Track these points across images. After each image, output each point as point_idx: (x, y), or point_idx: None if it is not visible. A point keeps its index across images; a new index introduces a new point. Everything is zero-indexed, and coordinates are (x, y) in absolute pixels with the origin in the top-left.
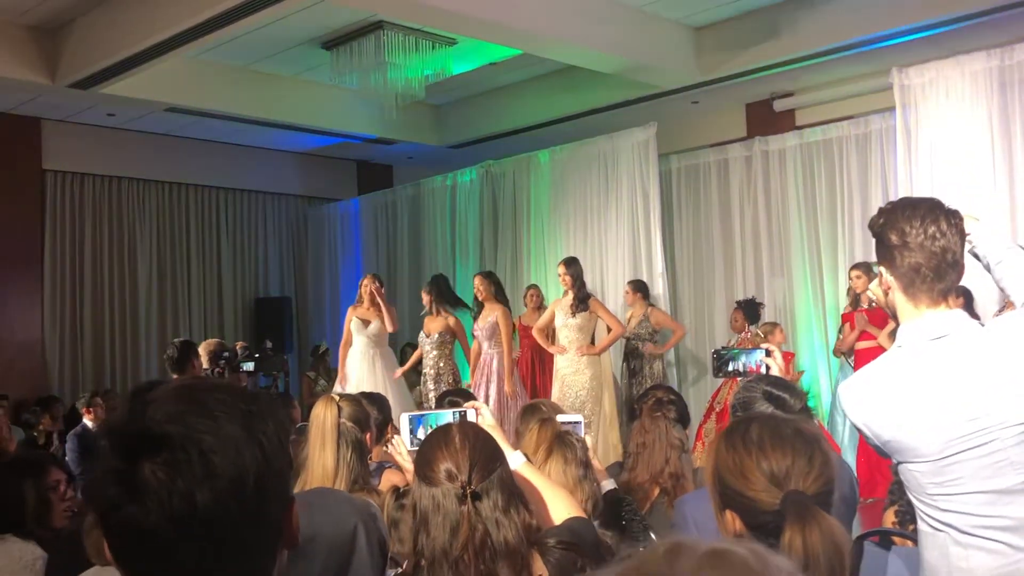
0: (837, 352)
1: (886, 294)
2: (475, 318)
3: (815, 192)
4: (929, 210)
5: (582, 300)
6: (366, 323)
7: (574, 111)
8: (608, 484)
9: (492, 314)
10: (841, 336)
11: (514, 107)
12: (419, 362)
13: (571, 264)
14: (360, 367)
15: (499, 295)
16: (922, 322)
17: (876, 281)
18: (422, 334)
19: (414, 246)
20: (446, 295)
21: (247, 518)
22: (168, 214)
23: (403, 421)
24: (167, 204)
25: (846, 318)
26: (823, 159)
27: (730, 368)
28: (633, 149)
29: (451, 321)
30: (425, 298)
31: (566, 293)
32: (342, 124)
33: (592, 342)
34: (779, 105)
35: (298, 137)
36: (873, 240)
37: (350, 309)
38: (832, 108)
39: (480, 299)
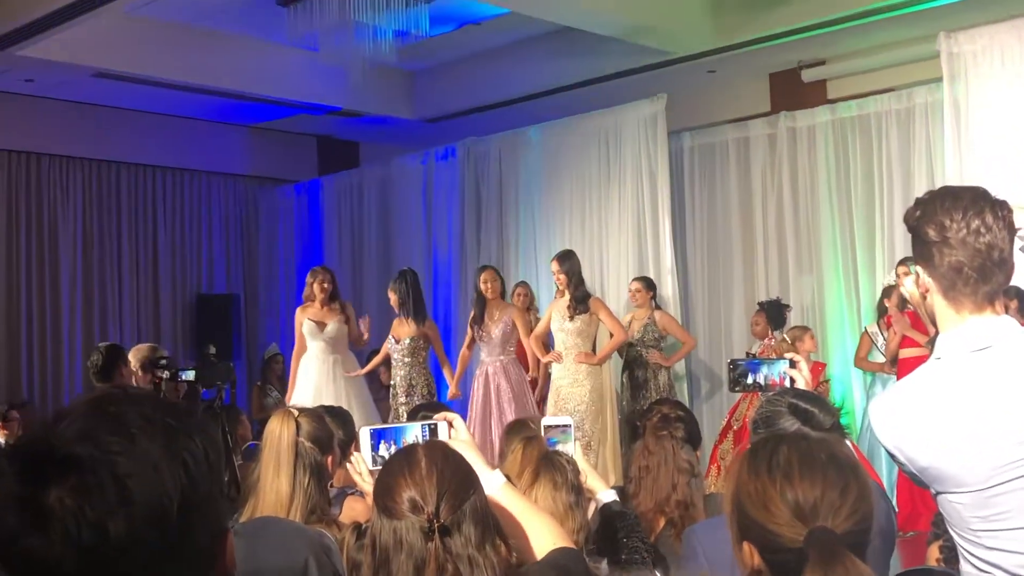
0: (864, 363)
1: (923, 297)
2: (474, 320)
3: (850, 176)
4: (973, 201)
5: (581, 300)
6: (321, 325)
7: (570, 80)
8: (607, 496)
9: (506, 314)
10: (885, 342)
11: (500, 75)
12: (384, 363)
13: (565, 259)
14: (317, 376)
15: (504, 296)
16: (964, 330)
17: (912, 279)
18: (390, 339)
19: (383, 236)
20: (417, 295)
21: (169, 550)
22: (95, 197)
23: (363, 436)
24: (94, 185)
25: (890, 321)
26: (859, 138)
27: (749, 381)
28: (639, 125)
29: (425, 324)
30: (392, 298)
31: (562, 293)
32: (300, 93)
33: (593, 349)
34: (808, 75)
35: (249, 108)
36: None
37: (299, 311)
38: (870, 79)
39: (487, 297)
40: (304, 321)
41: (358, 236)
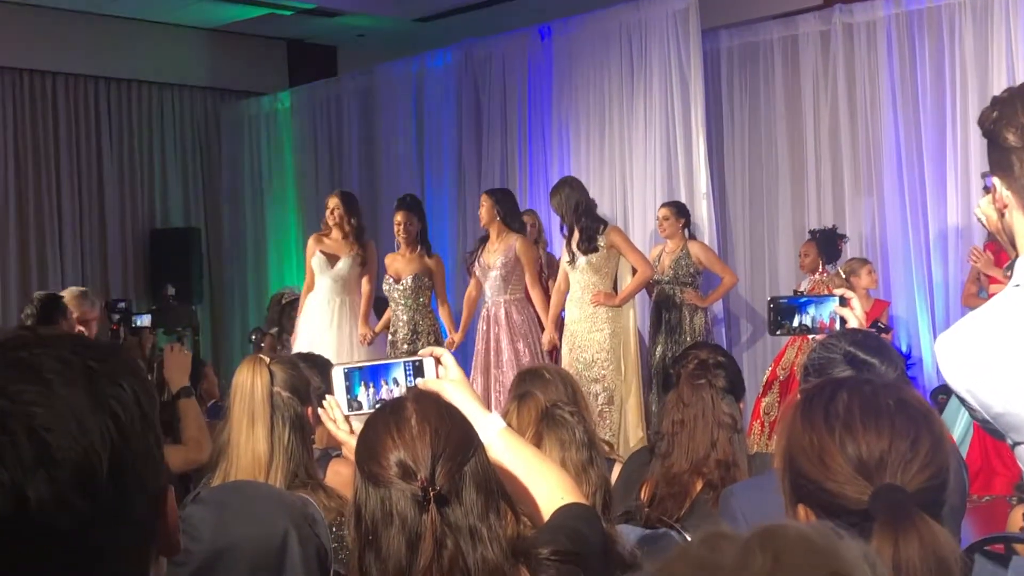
0: (974, 300)
1: (1001, 215)
2: (472, 253)
3: (916, 81)
4: None
5: (588, 236)
6: (332, 260)
7: None
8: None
9: (508, 244)
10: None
11: None
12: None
13: (554, 193)
14: (319, 320)
15: (513, 222)
16: None
17: (987, 198)
18: (388, 279)
19: (366, 156)
20: (425, 224)
21: (100, 517)
22: (27, 115)
23: (336, 375)
24: (26, 101)
25: (989, 247)
26: (928, 35)
27: (794, 324)
28: (668, 22)
29: (430, 261)
30: (407, 225)
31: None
32: None
33: (614, 288)
34: None
35: (207, 7)
36: None
37: (312, 240)
38: None
39: (484, 225)
40: (315, 253)
41: (336, 157)
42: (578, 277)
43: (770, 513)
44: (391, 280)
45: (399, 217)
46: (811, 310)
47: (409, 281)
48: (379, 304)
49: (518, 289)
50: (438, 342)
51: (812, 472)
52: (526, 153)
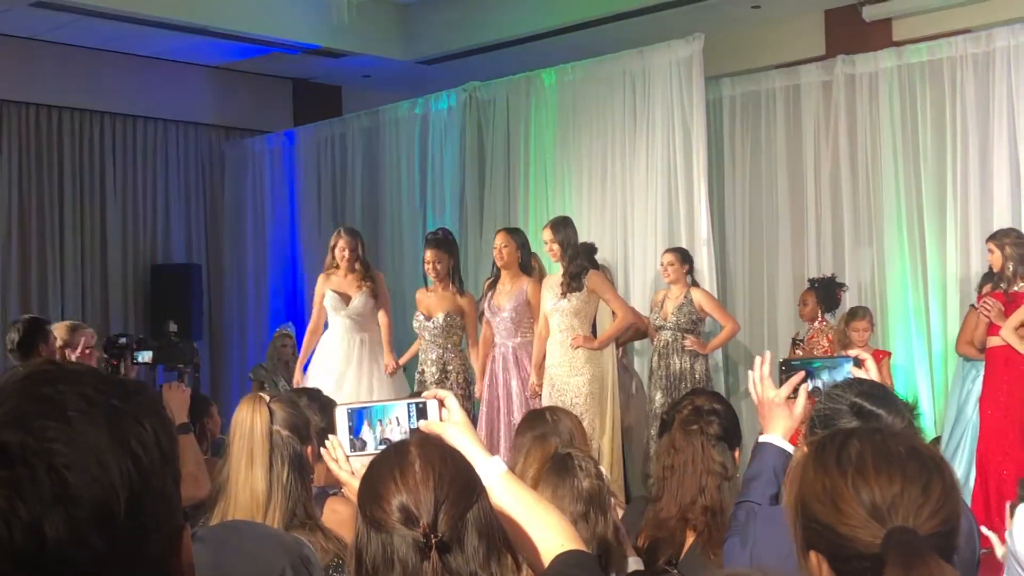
0: (968, 349)
1: None
2: (486, 292)
3: (918, 132)
4: None
5: (575, 275)
6: (346, 298)
7: (591, 16)
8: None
9: (519, 287)
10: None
11: (508, 9)
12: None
13: (561, 227)
14: (337, 359)
15: (526, 265)
16: None
17: None
18: (418, 316)
19: (370, 196)
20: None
21: (116, 555)
22: (32, 149)
23: (339, 415)
24: (31, 135)
25: (997, 297)
26: (929, 87)
27: (810, 387)
28: (671, 69)
29: (462, 300)
30: (432, 264)
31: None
32: (273, 28)
33: (594, 332)
34: (870, 13)
35: (213, 46)
36: (995, 200)
37: (321, 278)
38: (942, 18)
39: (499, 265)
40: (326, 292)
41: (340, 196)
42: (558, 320)
43: (776, 542)
44: (421, 317)
45: (428, 255)
46: (824, 375)
47: (441, 319)
48: None
49: (529, 332)
50: (467, 384)
51: (825, 517)
52: (528, 196)
